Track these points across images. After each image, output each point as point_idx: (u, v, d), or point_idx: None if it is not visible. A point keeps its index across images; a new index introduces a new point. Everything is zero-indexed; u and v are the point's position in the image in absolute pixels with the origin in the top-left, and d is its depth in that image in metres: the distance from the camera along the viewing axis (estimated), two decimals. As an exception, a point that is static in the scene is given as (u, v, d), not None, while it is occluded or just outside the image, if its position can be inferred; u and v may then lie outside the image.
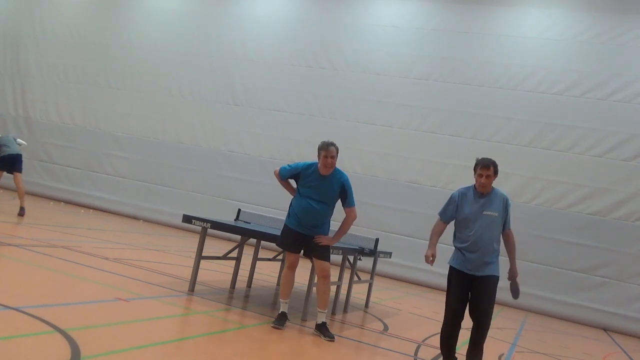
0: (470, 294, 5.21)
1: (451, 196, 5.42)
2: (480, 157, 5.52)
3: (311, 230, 6.01)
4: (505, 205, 5.31)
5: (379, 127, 14.25)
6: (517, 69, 13.40)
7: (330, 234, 6.16)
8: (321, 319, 5.94)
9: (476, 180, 5.33)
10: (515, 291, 5.59)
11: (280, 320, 5.97)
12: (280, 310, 6.08)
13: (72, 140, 17.03)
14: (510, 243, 5.45)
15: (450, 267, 5.34)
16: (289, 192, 6.33)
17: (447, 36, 14.12)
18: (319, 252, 5.99)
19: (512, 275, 5.52)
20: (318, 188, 5.98)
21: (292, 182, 6.29)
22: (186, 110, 16.05)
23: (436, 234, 5.43)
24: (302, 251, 6.11)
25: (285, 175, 6.19)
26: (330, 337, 5.83)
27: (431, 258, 5.24)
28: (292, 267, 6.13)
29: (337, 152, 6.04)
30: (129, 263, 8.15)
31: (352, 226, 6.30)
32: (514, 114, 13.25)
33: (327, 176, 5.99)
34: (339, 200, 6.12)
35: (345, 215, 6.09)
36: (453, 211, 5.33)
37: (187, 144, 15.88)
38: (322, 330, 5.89)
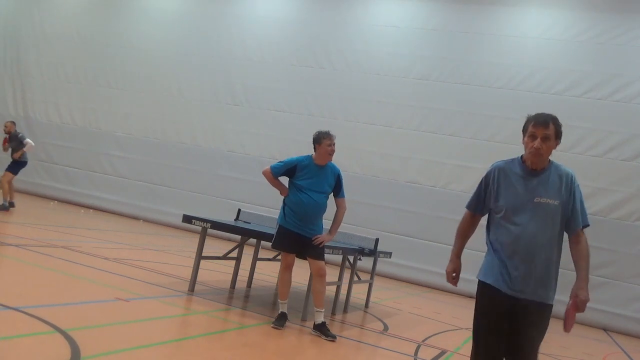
0: (508, 325, 3.49)
1: (486, 174, 3.57)
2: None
3: (309, 230, 5.95)
4: (571, 189, 3.52)
5: (379, 127, 14.25)
6: (517, 69, 13.40)
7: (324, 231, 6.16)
8: (320, 318, 5.89)
9: (525, 147, 3.49)
10: (569, 322, 3.73)
11: (280, 321, 5.93)
12: (280, 310, 6.05)
13: (72, 140, 17.03)
14: (581, 251, 3.74)
15: (481, 284, 3.62)
16: (280, 191, 6.18)
17: (447, 36, 14.12)
18: (314, 252, 5.93)
19: (581, 302, 3.65)
20: (316, 179, 5.96)
21: (284, 181, 6.23)
22: (186, 110, 16.05)
23: (462, 234, 3.80)
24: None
25: (278, 173, 6.09)
26: (331, 337, 5.79)
27: (453, 275, 3.78)
28: (289, 268, 6.08)
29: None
30: (129, 263, 8.15)
31: (352, 226, 6.36)
32: (514, 114, 13.21)
33: (324, 167, 6.03)
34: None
35: (336, 207, 6.15)
36: (486, 197, 3.55)
37: (187, 144, 15.88)
38: (322, 330, 5.85)
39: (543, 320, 3.56)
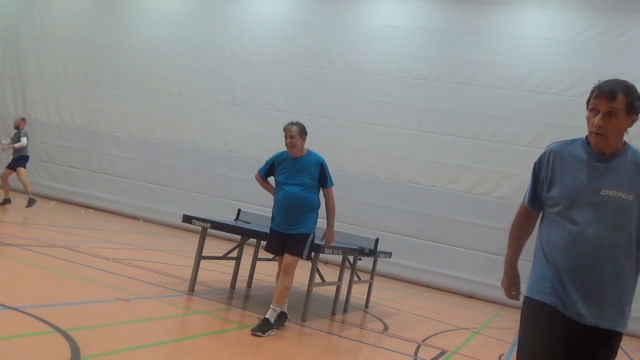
0: (564, 350, 2.63)
1: (538, 159, 2.87)
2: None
3: (293, 226, 5.74)
4: None
5: (379, 127, 14.25)
6: (517, 69, 13.40)
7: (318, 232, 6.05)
8: (271, 315, 5.52)
9: (588, 124, 2.72)
10: None
11: (280, 321, 5.82)
12: (280, 310, 5.81)
13: (72, 140, 17.03)
14: None
15: (529, 301, 2.76)
16: (270, 193, 6.20)
17: (447, 36, 14.12)
18: (291, 248, 5.71)
19: None
20: (292, 171, 5.79)
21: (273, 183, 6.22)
22: (186, 110, 16.05)
23: (516, 234, 3.06)
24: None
25: (263, 174, 6.09)
26: (258, 331, 5.29)
27: (513, 290, 3.05)
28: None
29: (303, 133, 5.83)
30: (129, 263, 8.15)
31: (352, 226, 6.33)
32: (514, 114, 13.25)
33: (300, 158, 5.82)
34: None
35: (325, 198, 5.98)
36: (539, 187, 2.84)
37: (187, 144, 15.88)
38: (260, 324, 5.39)
39: (608, 352, 2.67)
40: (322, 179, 5.85)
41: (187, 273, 7.27)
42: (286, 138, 5.76)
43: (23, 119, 13.08)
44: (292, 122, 5.82)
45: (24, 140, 12.45)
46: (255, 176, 6.20)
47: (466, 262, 12.96)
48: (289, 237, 5.75)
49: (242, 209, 8.89)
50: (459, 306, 10.94)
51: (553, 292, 2.66)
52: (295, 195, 5.72)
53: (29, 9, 18.29)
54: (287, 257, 5.68)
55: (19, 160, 12.52)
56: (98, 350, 4.04)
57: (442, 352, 6.27)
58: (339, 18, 15.09)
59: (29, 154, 12.79)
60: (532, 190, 2.92)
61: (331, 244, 6.01)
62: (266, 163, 6.06)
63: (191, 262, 7.05)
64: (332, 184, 5.95)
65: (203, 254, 6.96)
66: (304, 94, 14.96)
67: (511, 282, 3.06)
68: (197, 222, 6.85)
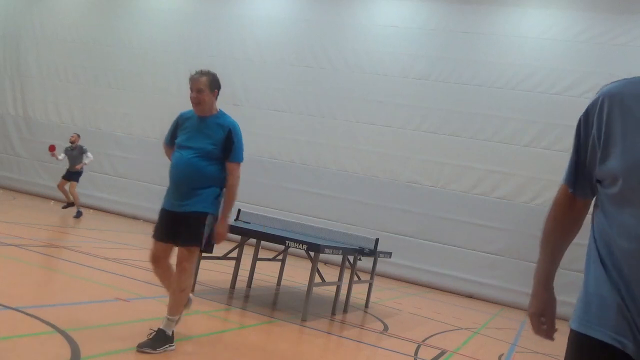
0: None
1: (585, 111, 1.85)
2: None
3: (182, 204, 4.41)
4: None
5: (378, 127, 14.25)
6: (517, 69, 13.40)
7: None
8: (167, 326, 4.36)
9: None
10: None
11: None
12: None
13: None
14: None
15: (579, 338, 1.79)
16: None
17: (447, 36, 14.12)
18: (186, 234, 4.41)
19: None
20: (194, 132, 4.53)
21: None
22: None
23: (554, 232, 2.06)
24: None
25: (168, 139, 4.76)
26: (147, 347, 4.19)
27: (543, 321, 2.13)
28: (157, 261, 4.57)
29: (214, 87, 4.51)
30: (129, 263, 8.15)
31: (352, 226, 6.08)
32: (514, 114, 13.25)
33: (207, 118, 4.54)
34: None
35: (228, 176, 4.57)
36: (589, 154, 1.84)
37: (187, 144, 15.87)
38: (152, 338, 4.28)
39: None
40: (227, 148, 4.48)
41: (187, 273, 7.26)
42: (191, 91, 4.49)
43: (78, 135, 13.88)
44: (200, 71, 4.53)
45: (90, 155, 13.40)
46: (163, 146, 4.88)
47: (466, 262, 12.96)
48: (179, 219, 4.41)
49: (242, 209, 8.88)
50: (459, 306, 10.94)
51: (618, 324, 1.60)
52: (188, 161, 4.43)
53: (28, 9, 18.30)
54: (181, 250, 4.42)
55: (75, 174, 13.33)
56: (98, 350, 4.04)
57: (442, 352, 6.27)
58: (339, 18, 15.09)
59: (83, 169, 13.54)
60: (575, 163, 1.93)
61: (222, 241, 4.55)
62: (170, 126, 4.78)
63: (191, 262, 7.03)
64: (239, 159, 4.56)
65: (203, 254, 6.95)
66: (304, 94, 14.97)
67: (542, 308, 2.02)
68: (197, 222, 6.83)
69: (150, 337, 4.28)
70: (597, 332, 1.66)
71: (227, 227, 4.62)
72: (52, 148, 13.62)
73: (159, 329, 4.33)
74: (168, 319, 4.37)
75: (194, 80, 4.49)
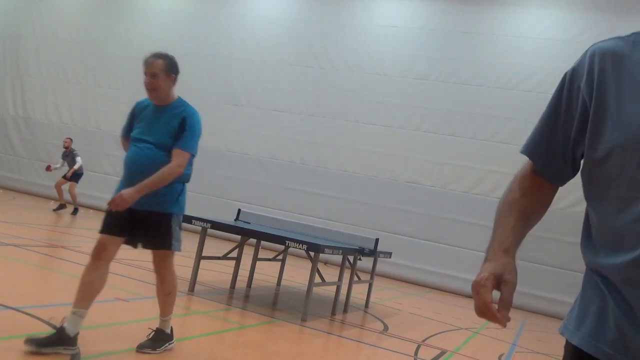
0: None
1: (571, 69, 1.63)
2: None
3: (140, 200, 3.91)
4: None
5: (378, 127, 14.26)
6: (517, 69, 13.41)
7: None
8: (160, 324, 4.33)
9: None
10: None
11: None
12: (62, 324, 3.84)
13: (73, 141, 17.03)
14: None
15: (576, 353, 1.44)
16: None
17: (447, 36, 14.13)
18: (155, 239, 4.10)
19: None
20: (150, 123, 4.09)
21: None
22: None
23: (509, 208, 1.55)
24: (137, 244, 4.25)
25: (125, 131, 4.29)
26: (147, 348, 4.16)
27: (491, 297, 1.36)
28: (99, 258, 4.01)
29: (170, 71, 4.08)
30: (129, 263, 8.15)
31: (352, 226, 6.01)
32: (514, 114, 13.25)
33: (164, 107, 4.10)
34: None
35: (172, 159, 4.02)
36: (572, 125, 1.47)
37: (187, 144, 15.87)
38: (152, 337, 4.25)
39: None
40: (179, 135, 4.04)
41: (187, 273, 7.27)
42: (145, 76, 4.07)
43: (70, 139, 14.03)
44: (156, 54, 4.11)
45: (79, 160, 13.59)
46: (120, 139, 4.41)
47: (466, 262, 12.95)
48: (139, 217, 3.99)
49: (242, 209, 8.89)
50: (459, 306, 10.94)
51: (621, 342, 1.29)
52: (143, 156, 4.00)
53: (28, 9, 18.30)
54: (155, 255, 4.20)
55: (75, 176, 13.61)
56: (98, 350, 4.03)
57: (442, 352, 6.27)
58: (339, 18, 15.09)
59: (83, 170, 13.81)
60: (547, 133, 1.58)
61: (118, 206, 3.86)
62: (127, 117, 4.31)
63: (191, 262, 7.05)
64: (188, 148, 4.07)
65: (203, 254, 6.96)
66: (304, 94, 14.97)
67: (497, 273, 1.40)
68: (197, 222, 6.85)
69: (150, 337, 4.20)
70: (597, 350, 1.34)
71: (131, 197, 3.83)
72: (48, 168, 13.95)
73: (157, 328, 4.27)
74: (162, 320, 4.30)
75: (148, 63, 4.06)
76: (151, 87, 4.03)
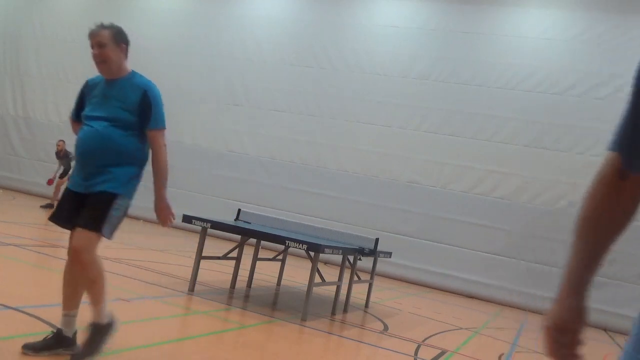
0: None
1: None
2: None
3: (88, 183, 3.65)
4: None
5: (378, 127, 14.26)
6: (517, 69, 13.41)
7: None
8: (98, 318, 3.68)
9: None
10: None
11: (48, 343, 3.68)
12: (59, 326, 3.76)
13: (71, 140, 17.03)
14: None
15: None
16: None
17: (447, 36, 14.13)
18: (87, 216, 3.60)
19: None
20: (102, 99, 3.75)
21: None
22: (186, 110, 16.05)
23: (596, 217, 1.43)
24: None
25: (74, 113, 3.98)
26: (85, 356, 3.61)
27: (563, 341, 1.42)
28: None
29: (119, 41, 3.74)
30: (128, 263, 8.15)
31: (352, 226, 6.01)
32: (514, 114, 13.26)
33: (116, 81, 3.78)
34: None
35: (151, 147, 3.88)
36: None
37: (187, 144, 15.89)
38: (89, 339, 3.65)
39: None
40: (144, 113, 3.74)
41: (187, 273, 7.27)
42: (92, 48, 3.72)
43: (63, 141, 14.10)
44: (101, 24, 3.78)
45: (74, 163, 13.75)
46: (70, 122, 4.08)
47: (466, 262, 12.96)
48: (86, 201, 3.66)
49: (242, 209, 8.89)
50: (459, 306, 10.94)
51: None
52: (97, 133, 3.66)
53: (28, 9, 18.30)
54: (78, 233, 3.56)
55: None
56: (98, 350, 4.03)
57: (442, 352, 6.27)
58: (339, 18, 15.10)
59: None
60: (633, 124, 1.41)
61: (169, 223, 3.96)
62: (77, 97, 4.00)
63: (191, 262, 7.05)
64: (161, 125, 3.84)
65: (203, 254, 6.96)
66: (304, 94, 14.97)
67: (566, 320, 1.41)
68: (197, 222, 6.85)
69: (86, 340, 3.64)
70: None
71: (168, 205, 3.90)
72: (49, 182, 14.06)
73: (92, 324, 3.64)
74: (95, 310, 3.66)
75: (93, 34, 3.70)
76: (100, 59, 3.70)
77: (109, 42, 3.70)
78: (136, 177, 3.85)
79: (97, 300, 3.64)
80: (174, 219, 3.96)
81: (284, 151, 14.91)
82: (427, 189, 13.67)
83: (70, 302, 3.74)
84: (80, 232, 3.54)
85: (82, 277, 3.60)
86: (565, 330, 1.40)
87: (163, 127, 3.85)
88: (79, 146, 3.74)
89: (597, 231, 1.43)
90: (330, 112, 14.71)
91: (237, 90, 15.66)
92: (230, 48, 15.88)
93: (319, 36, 15.11)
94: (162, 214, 3.90)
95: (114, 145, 3.66)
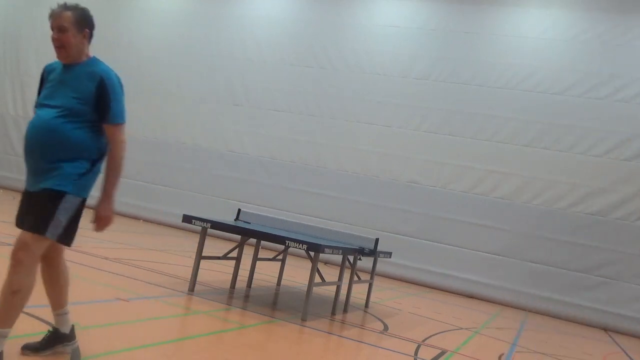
0: None
1: None
2: None
3: (34, 180, 3.37)
4: None
5: (378, 127, 14.26)
6: (517, 69, 13.41)
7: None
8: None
9: None
10: None
11: (47, 342, 3.66)
12: (54, 326, 3.70)
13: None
14: None
15: None
16: None
17: (447, 36, 14.13)
18: (29, 215, 3.36)
19: None
20: (57, 85, 3.42)
21: None
22: (186, 110, 16.05)
23: None
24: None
25: (36, 101, 3.54)
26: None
27: None
28: (43, 256, 3.45)
29: (82, 25, 3.45)
30: (129, 263, 8.15)
31: (352, 226, 5.95)
32: (514, 114, 13.26)
33: (75, 66, 3.43)
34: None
35: (110, 142, 3.44)
36: None
37: (187, 144, 15.89)
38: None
39: None
40: (100, 105, 3.35)
41: (187, 273, 7.27)
42: (52, 31, 3.51)
43: None
44: (64, 5, 3.56)
45: None
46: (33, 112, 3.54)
47: (466, 262, 12.96)
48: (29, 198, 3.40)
49: (242, 209, 8.89)
50: (459, 306, 10.94)
51: None
52: (44, 123, 3.31)
53: (28, 9, 18.29)
54: (20, 235, 3.33)
55: None
56: (98, 350, 4.04)
57: (442, 352, 6.27)
58: (339, 18, 15.10)
59: None
60: None
61: (104, 228, 3.53)
62: (38, 85, 3.64)
63: (191, 262, 7.05)
64: (120, 120, 3.42)
65: (203, 254, 6.96)
66: (304, 94, 14.97)
67: None
68: (197, 222, 6.85)
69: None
70: None
71: (111, 209, 3.46)
72: None
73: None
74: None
75: (54, 16, 3.49)
76: (59, 44, 3.42)
77: (71, 26, 3.41)
78: (89, 173, 3.41)
79: (5, 313, 3.22)
80: (109, 224, 3.53)
81: (284, 151, 14.91)
82: (427, 189, 13.67)
83: (57, 302, 3.64)
84: (23, 235, 3.28)
85: (6, 282, 3.24)
86: None
87: (122, 122, 3.43)
88: (25, 138, 3.36)
89: None
90: (330, 112, 14.71)
91: (237, 90, 15.66)
92: (230, 48, 15.88)
93: (319, 36, 15.11)
94: (102, 219, 3.48)
95: (62, 138, 3.28)
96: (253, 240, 8.00)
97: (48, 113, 3.32)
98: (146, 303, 5.99)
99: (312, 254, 6.63)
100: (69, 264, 7.34)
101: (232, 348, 4.99)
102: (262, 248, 8.62)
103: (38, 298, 5.32)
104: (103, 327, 4.73)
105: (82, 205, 3.44)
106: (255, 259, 8.21)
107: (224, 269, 8.91)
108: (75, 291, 6.00)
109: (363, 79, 14.55)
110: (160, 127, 16.21)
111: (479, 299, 12.59)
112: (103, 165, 3.51)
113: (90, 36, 3.49)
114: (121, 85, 3.47)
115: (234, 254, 7.76)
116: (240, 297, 7.44)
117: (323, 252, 6.38)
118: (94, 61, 3.49)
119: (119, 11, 17.44)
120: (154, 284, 6.90)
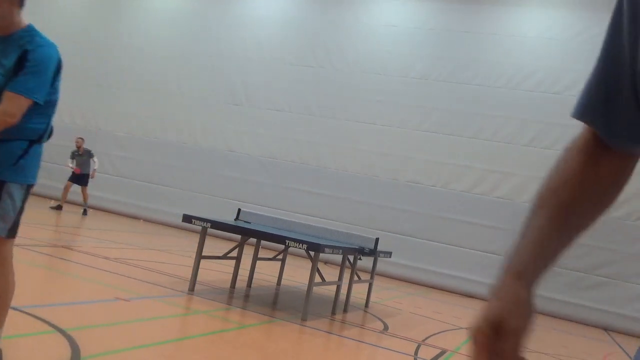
0: None
1: None
2: None
3: None
4: None
5: (379, 126, 14.26)
6: (517, 68, 13.41)
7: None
8: None
9: None
10: None
11: None
12: None
13: (72, 141, 17.02)
14: None
15: None
16: None
17: (447, 36, 14.13)
18: None
19: None
20: None
21: None
22: (186, 110, 16.06)
23: (543, 200, 1.19)
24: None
25: None
26: None
27: (498, 347, 0.99)
28: None
29: None
30: (129, 263, 8.15)
31: (352, 226, 5.92)
32: (514, 114, 13.26)
33: (5, 38, 3.07)
34: None
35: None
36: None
37: (187, 144, 15.89)
38: None
39: None
40: (17, 73, 2.99)
41: (187, 273, 7.27)
42: None
43: (82, 139, 14.34)
44: None
45: (96, 160, 14.24)
46: None
47: (466, 262, 12.96)
48: None
49: (242, 209, 8.89)
50: (459, 306, 10.94)
51: None
52: None
53: (28, 9, 18.25)
54: None
55: (85, 178, 14.04)
56: (98, 350, 4.04)
57: (442, 352, 6.28)
58: (339, 17, 15.10)
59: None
60: (605, 79, 1.04)
61: None
62: None
63: (191, 262, 7.05)
64: (28, 92, 2.98)
65: (203, 254, 6.97)
66: (303, 94, 14.98)
67: (503, 315, 1.02)
68: (197, 222, 6.85)
69: None
70: None
71: None
72: (77, 171, 14.06)
73: None
74: None
75: None
76: None
77: None
78: (28, 156, 3.16)
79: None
80: None
81: (284, 151, 14.91)
82: (428, 188, 13.68)
83: None
84: None
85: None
86: (506, 332, 1.00)
87: (28, 97, 2.95)
88: None
89: (556, 208, 1.13)
90: (330, 112, 14.71)
91: (237, 90, 15.67)
92: (230, 48, 15.88)
93: (319, 36, 15.12)
94: None
95: None
96: (253, 240, 8.01)
97: None
98: (146, 303, 5.99)
99: (312, 253, 6.63)
100: (70, 264, 7.35)
101: (232, 348, 5.00)
102: (262, 248, 8.62)
103: (39, 298, 5.33)
104: (103, 327, 4.73)
105: (25, 193, 3.19)
106: (255, 258, 8.21)
107: (224, 269, 8.91)
108: (76, 291, 6.01)
109: (363, 78, 14.55)
110: (160, 127, 16.21)
111: (479, 298, 12.59)
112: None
113: (21, 3, 3.09)
114: (55, 64, 3.07)
115: (234, 253, 7.77)
116: (240, 296, 7.44)
117: (323, 251, 6.39)
118: (28, 31, 3.08)
119: (119, 11, 17.44)
120: (154, 284, 6.91)
